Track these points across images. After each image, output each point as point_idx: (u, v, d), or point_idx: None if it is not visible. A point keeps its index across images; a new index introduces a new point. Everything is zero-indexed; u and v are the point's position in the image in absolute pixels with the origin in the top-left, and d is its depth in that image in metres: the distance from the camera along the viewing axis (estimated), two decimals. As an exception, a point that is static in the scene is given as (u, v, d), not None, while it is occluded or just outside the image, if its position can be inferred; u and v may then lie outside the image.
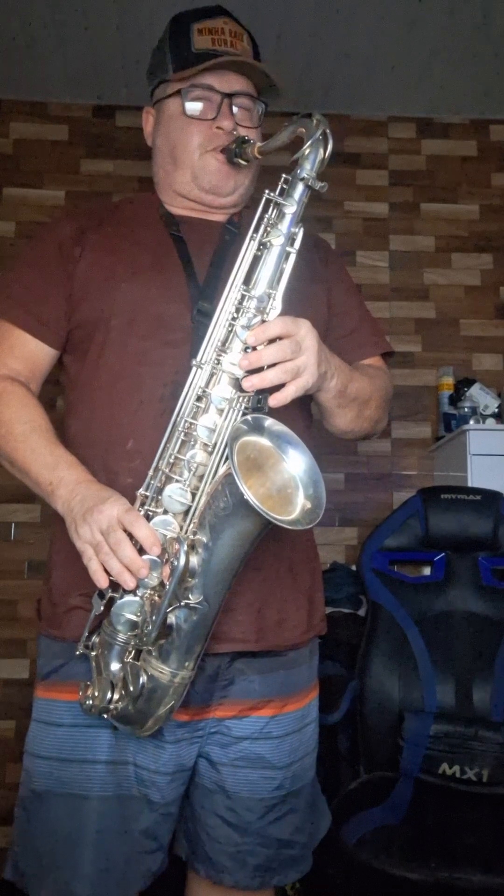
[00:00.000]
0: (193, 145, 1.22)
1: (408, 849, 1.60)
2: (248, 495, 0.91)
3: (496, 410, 2.82)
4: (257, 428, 1.01)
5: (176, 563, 0.95)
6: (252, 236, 1.09)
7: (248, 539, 0.98)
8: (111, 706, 1.02)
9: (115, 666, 1.04)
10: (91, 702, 1.03)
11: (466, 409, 2.78)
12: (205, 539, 0.97)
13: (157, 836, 1.12)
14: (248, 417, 1.02)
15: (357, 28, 2.60)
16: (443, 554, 2.20)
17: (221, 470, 1.00)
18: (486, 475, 2.50)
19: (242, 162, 1.19)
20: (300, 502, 0.99)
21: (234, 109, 1.22)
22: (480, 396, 2.83)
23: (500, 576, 2.21)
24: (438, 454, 2.94)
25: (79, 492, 1.06)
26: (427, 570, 2.27)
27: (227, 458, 1.01)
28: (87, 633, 1.07)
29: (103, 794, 1.08)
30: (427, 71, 2.84)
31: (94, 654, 1.06)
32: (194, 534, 0.99)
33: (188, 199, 1.26)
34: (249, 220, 1.23)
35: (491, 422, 2.76)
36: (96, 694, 1.03)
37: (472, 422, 2.70)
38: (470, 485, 2.49)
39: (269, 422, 1.02)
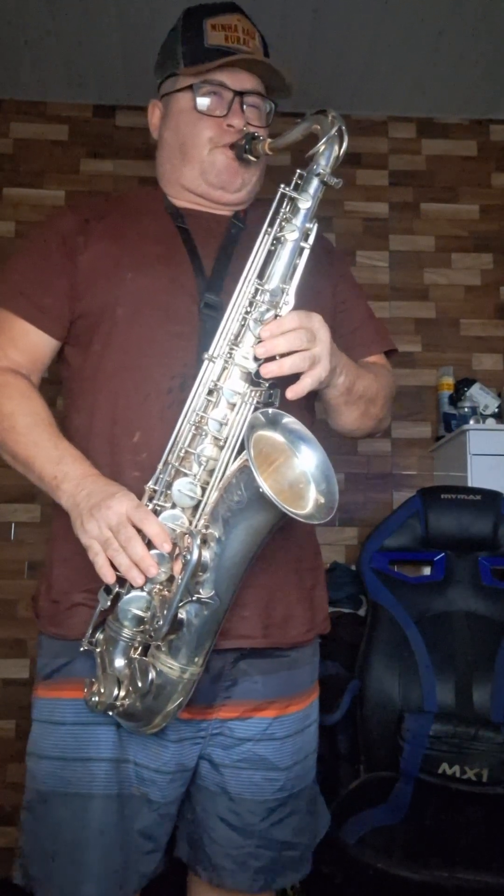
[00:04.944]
0: (203, 140, 1.21)
1: (408, 849, 1.59)
2: (265, 488, 0.91)
3: (496, 410, 2.82)
4: (271, 423, 1.01)
5: (189, 557, 0.94)
6: (267, 230, 1.08)
7: (261, 533, 0.98)
8: (118, 703, 1.02)
9: (120, 662, 1.03)
10: (97, 698, 1.02)
11: (466, 409, 2.78)
12: (217, 533, 0.97)
13: (155, 836, 1.11)
14: (269, 411, 1.01)
15: (357, 28, 2.60)
16: (443, 554, 2.20)
17: (235, 464, 1.00)
18: (486, 475, 2.49)
19: (252, 158, 1.18)
20: (312, 497, 0.99)
21: (244, 108, 1.22)
22: (480, 396, 2.83)
23: (500, 576, 2.20)
24: (438, 454, 2.94)
25: (85, 486, 1.05)
26: (427, 570, 2.27)
27: (238, 453, 1.01)
28: (91, 630, 1.06)
29: (107, 792, 1.07)
30: (427, 71, 2.84)
31: (98, 650, 1.05)
32: (206, 528, 0.98)
33: (195, 194, 1.25)
34: (254, 217, 1.22)
35: (491, 422, 2.76)
36: (102, 690, 1.02)
37: (472, 422, 2.70)
38: (470, 485, 2.49)
39: (282, 416, 1.02)
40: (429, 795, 1.83)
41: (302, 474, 1.01)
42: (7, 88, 2.95)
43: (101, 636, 1.05)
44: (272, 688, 1.15)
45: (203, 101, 1.21)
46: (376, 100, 3.03)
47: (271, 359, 1.02)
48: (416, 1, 2.48)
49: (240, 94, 1.21)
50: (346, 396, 1.17)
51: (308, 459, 1.01)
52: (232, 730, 1.14)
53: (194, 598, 0.96)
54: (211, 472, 1.03)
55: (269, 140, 1.15)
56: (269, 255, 1.07)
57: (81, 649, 1.06)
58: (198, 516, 1.03)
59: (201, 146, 1.22)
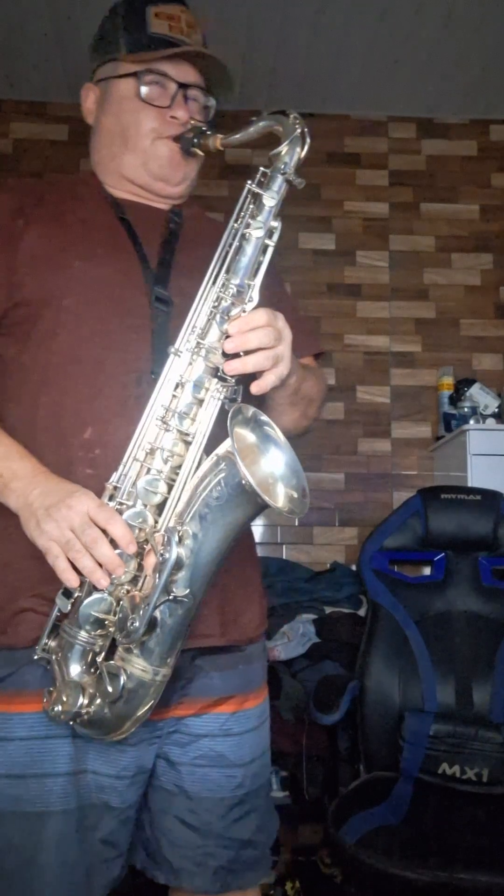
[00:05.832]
0: (146, 130, 1.18)
1: (408, 849, 1.59)
2: (250, 479, 0.90)
3: (496, 410, 2.82)
4: (246, 420, 1.00)
5: (167, 555, 0.92)
6: (233, 226, 1.07)
7: (237, 529, 0.97)
8: (83, 711, 0.96)
9: (78, 669, 0.98)
10: (60, 707, 0.96)
11: (466, 409, 2.78)
12: (192, 530, 0.95)
13: (117, 842, 1.08)
14: (248, 408, 1.00)
15: (357, 28, 2.60)
16: (443, 554, 2.20)
17: (210, 458, 0.98)
18: (486, 475, 2.50)
19: (200, 152, 1.17)
20: (282, 493, 0.99)
21: (187, 101, 1.20)
22: (480, 396, 2.83)
23: (500, 576, 2.20)
24: (438, 454, 2.94)
25: (38, 484, 0.99)
26: (427, 570, 2.27)
27: (207, 449, 1.00)
28: (46, 637, 1.00)
29: (65, 807, 1.02)
30: (427, 71, 2.84)
31: (53, 658, 0.99)
32: (181, 524, 0.96)
33: (135, 185, 1.22)
34: (189, 214, 1.22)
35: (491, 422, 2.76)
36: (64, 699, 0.96)
37: (472, 422, 2.71)
38: (470, 485, 2.49)
39: (254, 412, 1.01)
40: (429, 795, 1.83)
41: (270, 474, 1.00)
42: (7, 88, 2.95)
43: (54, 643, 1.00)
44: (229, 683, 1.13)
45: (146, 91, 1.18)
46: (376, 100, 3.03)
47: (234, 356, 1.01)
48: (416, 2, 2.48)
49: (183, 86, 1.19)
50: (292, 397, 1.15)
51: (277, 458, 1.00)
52: (188, 726, 1.11)
53: (171, 597, 0.94)
54: (177, 469, 1.01)
55: (220, 136, 1.14)
56: (234, 252, 1.06)
57: (35, 657, 1.00)
58: (165, 514, 1.00)
59: (143, 136, 1.19)
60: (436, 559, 2.20)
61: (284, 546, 2.91)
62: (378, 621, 2.10)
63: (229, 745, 1.12)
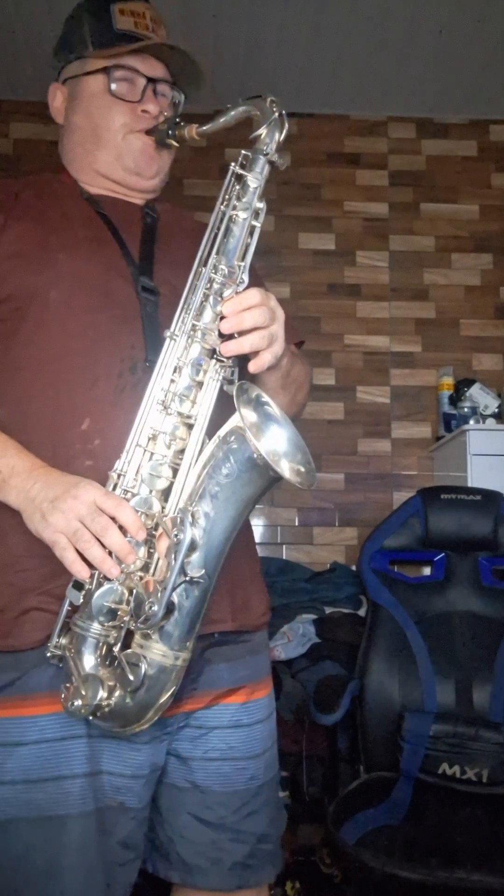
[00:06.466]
0: (117, 125, 1.19)
1: (408, 849, 1.59)
2: (262, 451, 0.90)
3: (496, 410, 2.82)
4: (249, 399, 1.00)
5: (182, 536, 0.92)
6: (220, 209, 1.08)
7: (248, 505, 0.97)
8: (103, 704, 0.94)
9: (93, 661, 0.97)
10: (79, 702, 0.94)
11: (466, 409, 2.78)
12: (203, 510, 0.95)
13: (134, 844, 1.06)
14: (252, 388, 1.01)
15: (357, 28, 2.60)
16: (443, 554, 2.20)
17: (214, 438, 0.98)
18: (486, 475, 2.50)
19: (175, 143, 1.17)
20: (287, 468, 0.99)
21: (156, 95, 1.21)
22: (480, 396, 2.83)
23: (500, 576, 2.21)
24: (438, 454, 2.94)
25: (38, 478, 0.99)
26: (427, 570, 2.27)
27: (209, 431, 1.00)
28: (57, 634, 0.99)
29: (83, 809, 1.00)
30: (427, 71, 2.84)
31: (67, 653, 0.98)
32: (191, 505, 0.96)
33: (109, 180, 1.23)
34: (161, 209, 1.23)
35: (491, 422, 2.77)
36: (83, 693, 0.94)
37: (472, 422, 2.71)
38: (470, 485, 2.49)
39: (257, 392, 1.01)
40: (429, 795, 1.83)
41: (274, 450, 1.00)
42: (7, 88, 2.95)
43: (64, 640, 0.98)
44: (237, 674, 1.13)
45: (114, 86, 1.19)
46: (376, 100, 3.03)
47: (229, 337, 1.01)
48: (416, 2, 2.48)
49: (152, 80, 1.20)
50: (283, 380, 1.15)
51: (280, 435, 1.01)
52: (198, 719, 1.10)
53: (188, 579, 0.93)
54: (180, 453, 1.01)
55: (195, 125, 1.14)
56: (223, 234, 1.07)
57: (48, 655, 0.98)
58: (172, 498, 0.99)
59: (115, 131, 1.20)
60: (436, 559, 2.21)
61: (284, 546, 2.91)
62: (378, 621, 2.10)
63: (240, 737, 1.12)
